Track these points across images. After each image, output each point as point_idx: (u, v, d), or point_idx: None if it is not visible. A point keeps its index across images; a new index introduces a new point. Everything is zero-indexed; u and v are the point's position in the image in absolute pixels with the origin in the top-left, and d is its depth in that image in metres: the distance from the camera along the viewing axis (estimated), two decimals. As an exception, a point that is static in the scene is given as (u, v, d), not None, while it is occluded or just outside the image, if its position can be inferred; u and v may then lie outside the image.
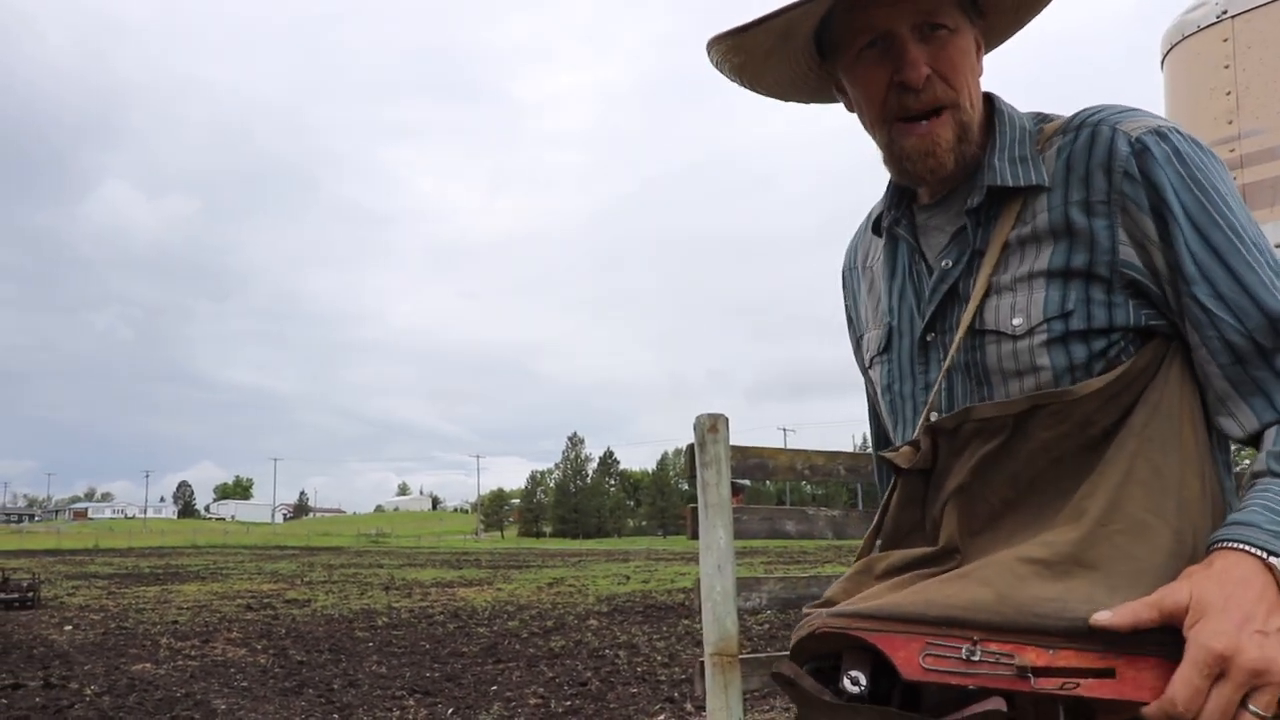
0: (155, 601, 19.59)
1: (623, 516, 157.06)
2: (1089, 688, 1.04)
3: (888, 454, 1.32)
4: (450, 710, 8.28)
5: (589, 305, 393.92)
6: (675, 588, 23.01)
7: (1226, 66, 4.18)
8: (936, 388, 1.35)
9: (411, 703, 8.69)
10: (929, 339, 1.39)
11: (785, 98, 1.52)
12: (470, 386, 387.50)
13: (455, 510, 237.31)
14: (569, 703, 8.52)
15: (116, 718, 8.04)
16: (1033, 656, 1.05)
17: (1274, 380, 1.19)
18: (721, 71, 1.43)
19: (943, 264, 1.38)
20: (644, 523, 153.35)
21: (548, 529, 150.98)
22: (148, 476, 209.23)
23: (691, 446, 5.27)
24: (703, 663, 5.02)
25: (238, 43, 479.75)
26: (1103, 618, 1.06)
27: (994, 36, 1.46)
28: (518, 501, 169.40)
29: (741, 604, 5.15)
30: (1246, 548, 1.07)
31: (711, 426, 5.20)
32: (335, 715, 8.17)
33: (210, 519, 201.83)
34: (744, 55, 1.40)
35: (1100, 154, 1.28)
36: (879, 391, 1.48)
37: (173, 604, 19.09)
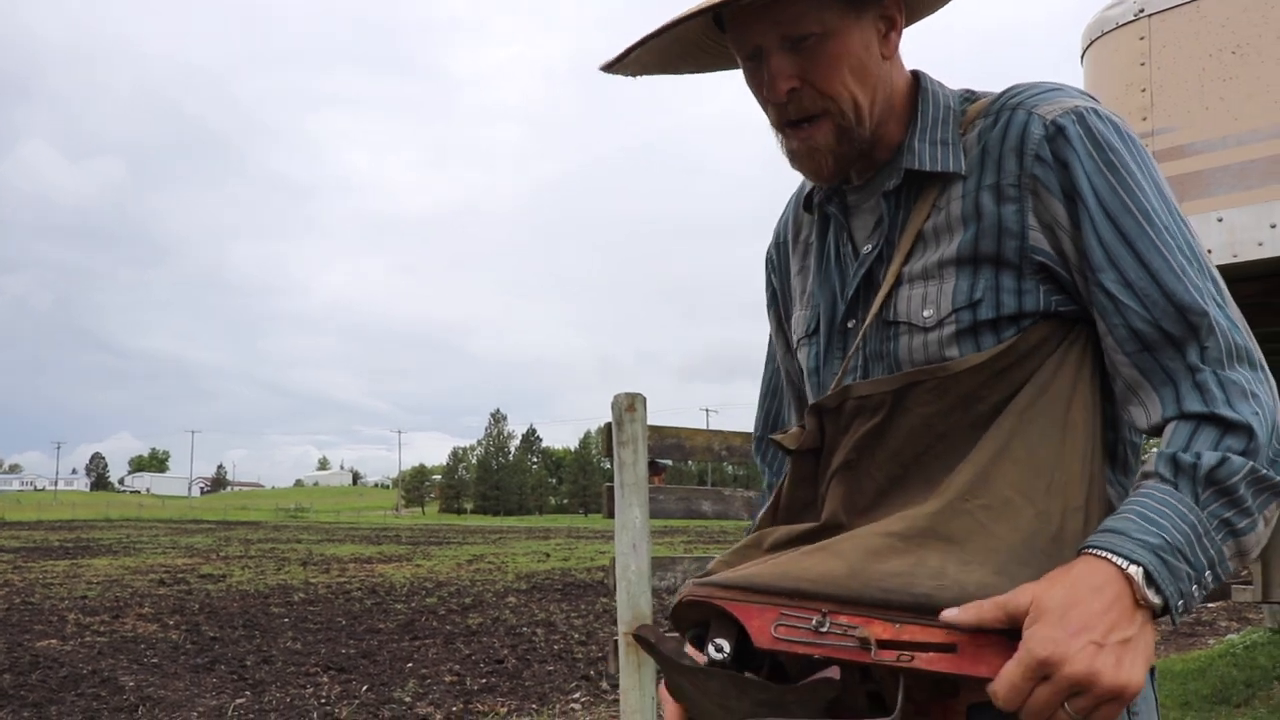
0: (64, 576, 19.15)
1: (544, 494, 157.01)
2: (926, 661, 1.06)
3: (776, 436, 1.33)
4: (365, 688, 8.22)
5: (519, 283, 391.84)
6: (595, 565, 23.08)
7: (1142, 64, 4.26)
8: (854, 376, 1.35)
9: (325, 679, 8.62)
10: (849, 325, 1.39)
11: (682, 72, 1.50)
12: (395, 361, 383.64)
13: (376, 486, 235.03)
14: (484, 680, 8.51)
15: (17, 696, 7.84)
16: (879, 629, 1.08)
17: (1179, 369, 1.16)
18: (614, 74, 1.43)
19: (865, 249, 1.37)
20: (566, 501, 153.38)
21: (469, 506, 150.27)
22: (59, 448, 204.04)
23: (609, 425, 5.28)
24: (617, 641, 5.05)
25: (166, 5, 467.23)
26: (950, 614, 1.06)
27: (921, 8, 1.42)
28: (439, 478, 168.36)
29: (656, 583, 5.18)
30: (1109, 556, 1.06)
31: (629, 406, 5.21)
32: (247, 692, 8.07)
33: (124, 492, 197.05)
34: (638, 66, 1.41)
35: (1014, 137, 1.26)
36: (806, 373, 1.47)
37: (82, 578, 18.67)
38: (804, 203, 1.52)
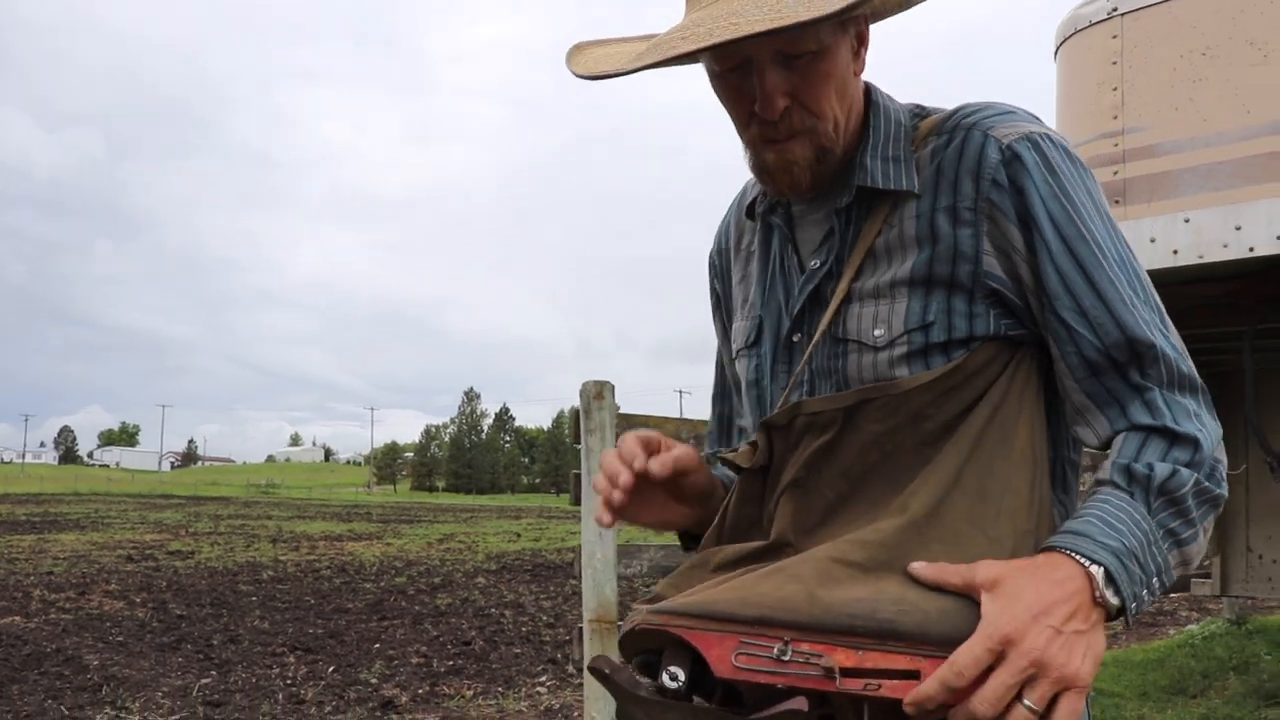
0: (30, 551, 19.00)
1: (517, 473, 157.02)
2: (892, 689, 1.06)
3: (726, 454, 1.32)
4: (331, 668, 8.22)
5: (494, 262, 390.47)
6: (565, 547, 23.11)
7: (1114, 63, 4.28)
8: (800, 391, 1.35)
9: (292, 660, 8.60)
10: (794, 339, 1.38)
11: (641, 70, 1.50)
12: (368, 338, 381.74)
13: (348, 462, 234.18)
14: (451, 662, 8.52)
15: (-20, 672, 7.80)
16: (841, 657, 1.07)
17: (1128, 390, 1.21)
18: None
19: (812, 264, 1.36)
20: (538, 480, 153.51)
21: (441, 484, 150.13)
22: (27, 420, 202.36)
23: (577, 412, 5.28)
24: (581, 628, 5.06)
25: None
26: (919, 566, 1.10)
27: (883, 14, 1.42)
28: (412, 455, 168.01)
29: (623, 570, 5.20)
30: (1072, 553, 1.09)
31: (597, 393, 5.21)
32: (213, 672, 8.05)
33: (94, 466, 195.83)
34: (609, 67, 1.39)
35: (970, 159, 1.26)
36: (745, 384, 1.46)
37: (49, 554, 18.54)
38: (746, 210, 1.51)
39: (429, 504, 70.83)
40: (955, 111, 1.34)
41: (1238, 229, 3.86)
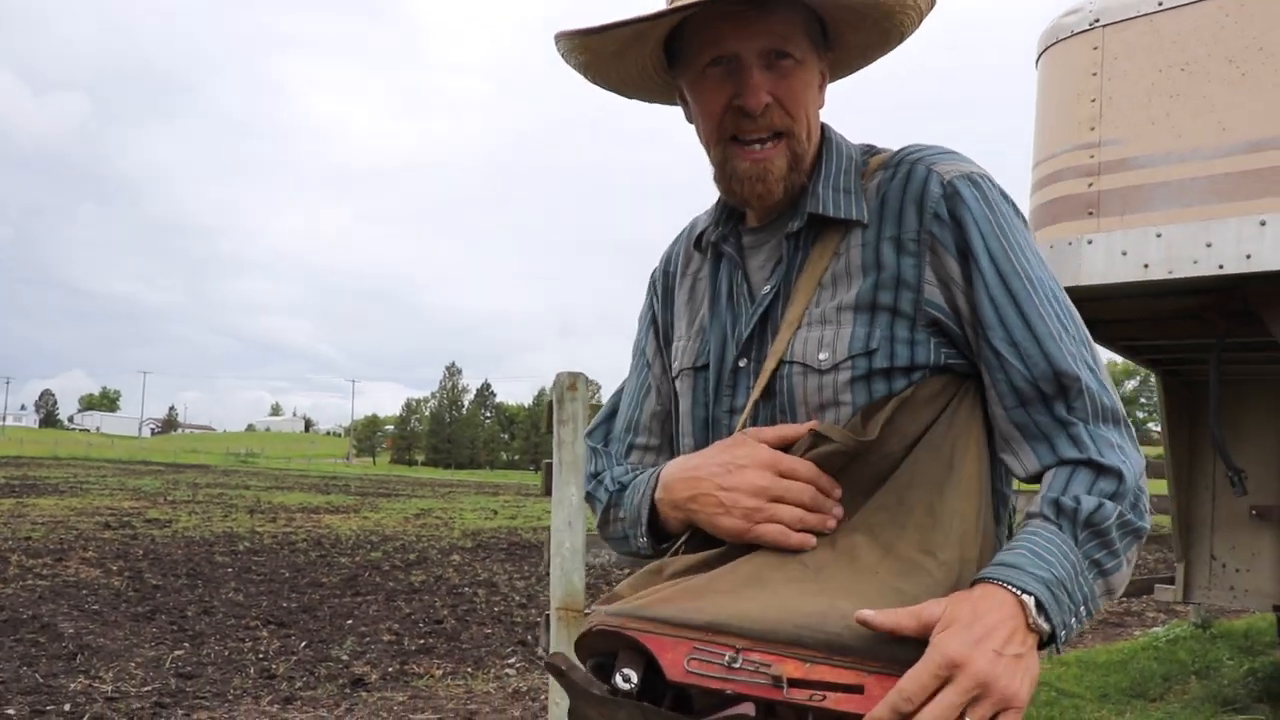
0: (9, 515, 18.95)
1: (496, 449, 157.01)
2: (836, 701, 1.11)
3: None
4: (303, 644, 8.26)
5: (480, 238, 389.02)
6: (541, 526, 23.15)
7: (1094, 74, 4.32)
8: (745, 414, 1.39)
9: (265, 634, 8.64)
10: (741, 364, 1.42)
11: (629, 95, 1.54)
12: (352, 310, 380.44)
13: (328, 434, 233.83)
14: (422, 641, 8.57)
15: (-47, 638, 7.81)
16: (790, 668, 1.12)
17: (1055, 427, 1.27)
18: (567, 63, 1.45)
19: (763, 290, 1.42)
20: (517, 457, 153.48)
21: (420, 458, 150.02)
22: (8, 383, 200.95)
23: (550, 404, 5.32)
24: (549, 616, 5.11)
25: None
26: (868, 614, 1.13)
27: (839, 70, 1.51)
28: (392, 428, 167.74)
29: (591, 559, 5.25)
30: (1006, 585, 1.15)
31: (571, 385, 5.25)
32: (186, 643, 8.08)
33: (74, 430, 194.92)
34: (590, 54, 1.42)
35: (914, 192, 1.33)
36: (686, 406, 1.50)
37: (27, 518, 18.49)
38: (695, 242, 1.56)
39: (408, 477, 70.78)
40: (901, 150, 1.41)
41: (1208, 246, 3.92)
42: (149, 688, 6.60)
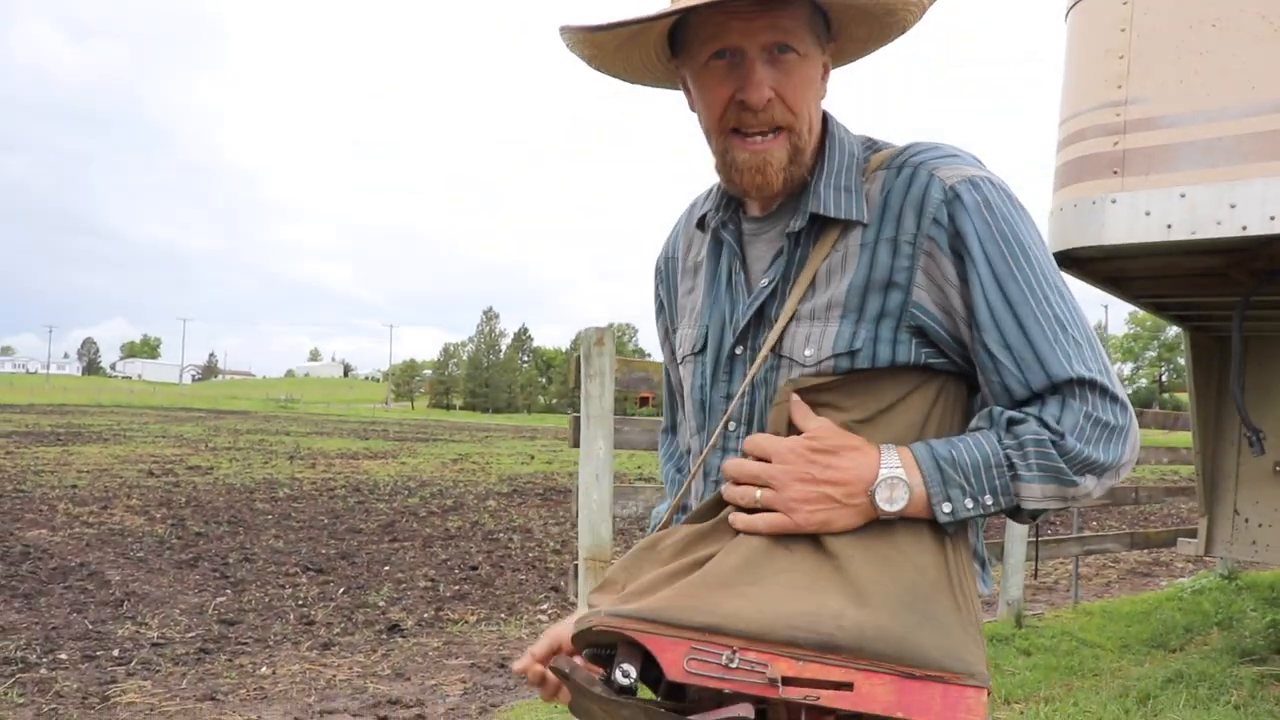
0: (55, 464, 19.37)
1: (534, 393, 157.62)
2: (829, 699, 1.18)
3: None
4: (341, 590, 8.46)
5: (519, 184, 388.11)
6: (578, 470, 23.34)
7: (1123, 30, 4.27)
8: (738, 400, 1.45)
9: (304, 580, 8.86)
10: (737, 352, 1.47)
11: (633, 82, 1.58)
12: (389, 255, 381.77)
13: (367, 379, 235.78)
14: (457, 587, 8.75)
15: (8, 586, 8.07)
16: (784, 667, 1.19)
17: (1040, 407, 1.32)
18: (572, 54, 1.49)
19: (761, 283, 1.46)
20: (554, 401, 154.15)
21: (458, 402, 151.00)
22: (51, 331, 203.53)
23: (578, 358, 5.40)
24: (576, 565, 5.24)
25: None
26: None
27: (839, 60, 1.53)
28: (430, 373, 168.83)
29: (618, 511, 5.36)
30: (882, 450, 1.31)
31: (598, 340, 5.33)
32: (228, 590, 8.30)
33: (116, 378, 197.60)
34: (595, 48, 1.46)
35: (915, 195, 1.36)
36: (688, 389, 1.56)
37: (73, 466, 18.90)
38: (697, 222, 1.60)
39: (445, 422, 71.47)
40: (905, 149, 1.43)
41: (1232, 207, 3.91)
42: (193, 634, 6.82)
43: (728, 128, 1.41)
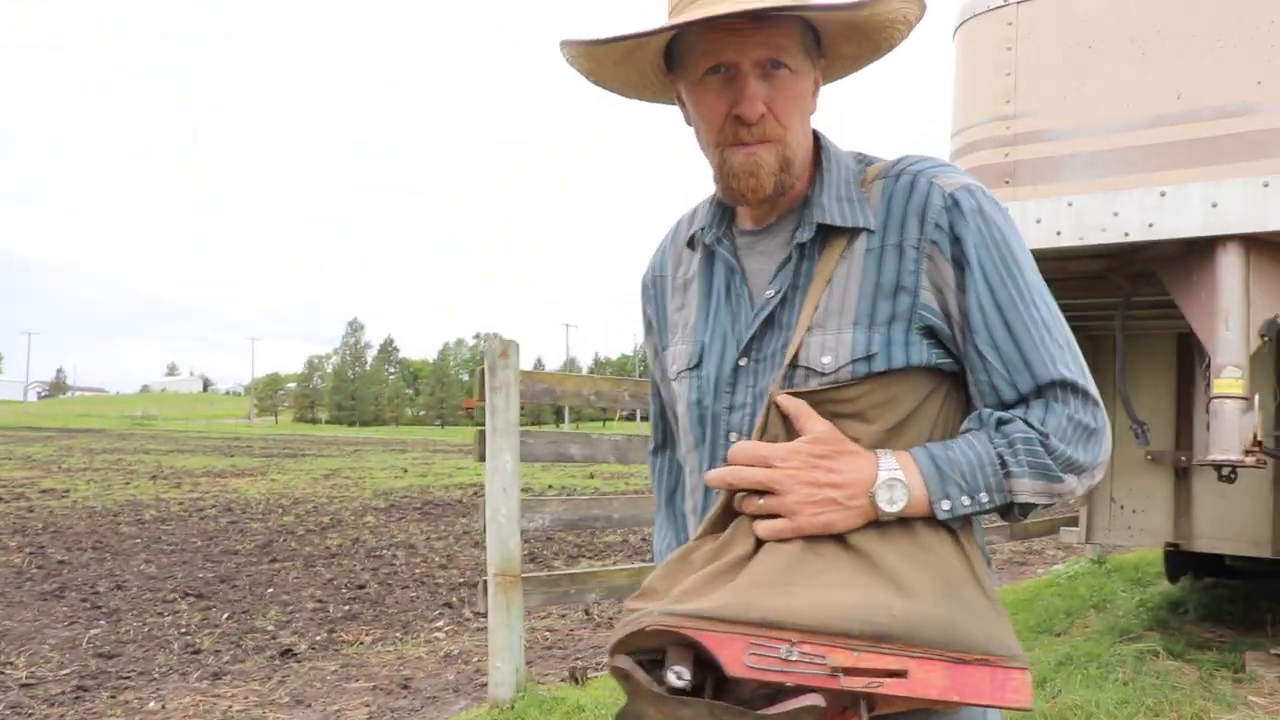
0: (-109, 489, 18.28)
1: (401, 405, 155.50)
2: (889, 687, 1.22)
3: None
4: (225, 615, 8.20)
5: (382, 193, 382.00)
6: (453, 483, 23.13)
7: (1008, 48, 4.47)
8: (742, 411, 1.48)
9: (184, 606, 8.55)
10: (741, 364, 1.49)
11: (630, 96, 1.61)
12: (250, 265, 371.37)
13: (228, 393, 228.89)
14: (347, 607, 8.58)
15: None
16: (841, 657, 1.22)
17: (1025, 409, 1.39)
18: (570, 68, 1.51)
19: (767, 293, 1.49)
20: (422, 412, 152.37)
21: (324, 416, 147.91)
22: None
23: (482, 371, 5.37)
24: (486, 581, 5.20)
25: None
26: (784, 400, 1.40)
27: (830, 75, 1.58)
28: (294, 386, 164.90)
29: (525, 524, 5.34)
30: (879, 454, 1.36)
31: (503, 353, 5.30)
32: (102, 621, 7.96)
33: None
34: (593, 63, 1.49)
35: (917, 202, 1.43)
36: (685, 405, 1.57)
37: (-89, 493, 17.86)
38: (688, 241, 1.64)
39: (312, 436, 69.82)
40: (899, 160, 1.50)
41: (1115, 215, 4.12)
42: (67, 670, 6.51)
43: (726, 142, 1.45)
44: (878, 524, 1.34)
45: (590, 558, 11.62)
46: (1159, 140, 4.07)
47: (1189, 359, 6.24)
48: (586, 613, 8.49)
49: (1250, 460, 3.82)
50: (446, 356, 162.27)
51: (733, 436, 1.48)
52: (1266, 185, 3.81)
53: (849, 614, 1.25)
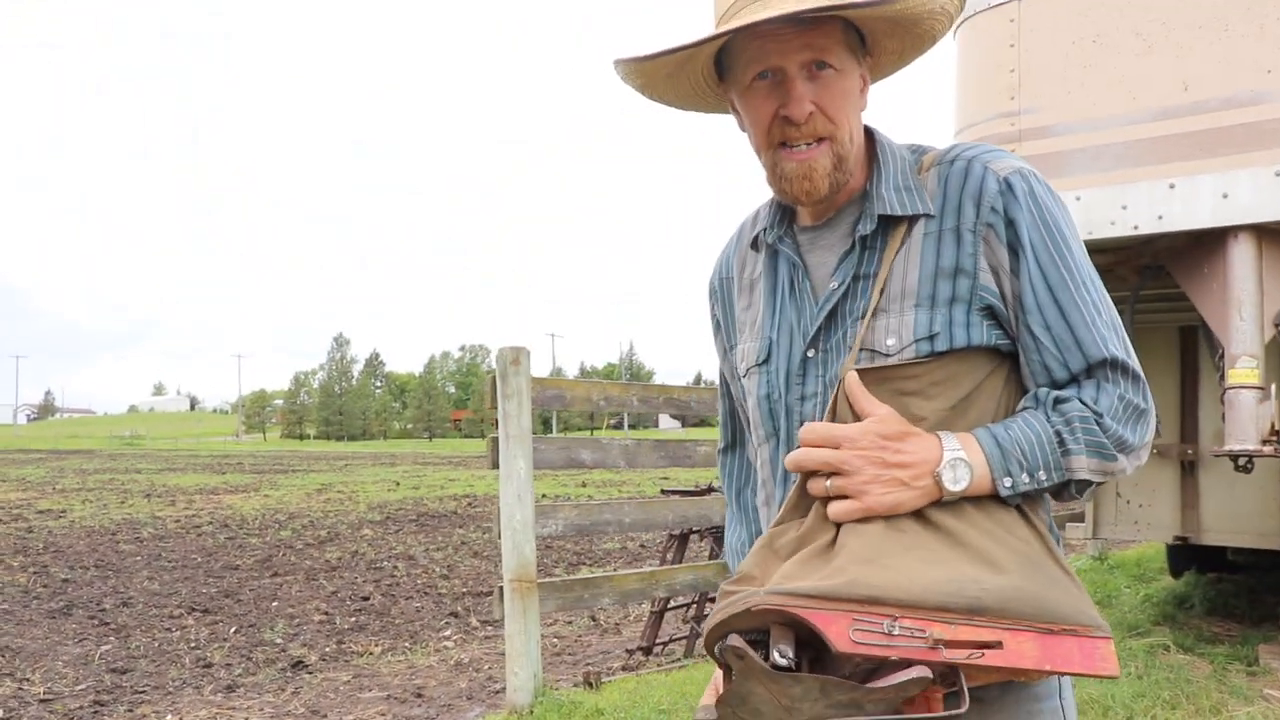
0: (-115, 513, 18.18)
1: (388, 419, 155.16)
2: (989, 658, 1.26)
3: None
4: (233, 629, 8.19)
5: (361, 205, 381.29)
6: (446, 494, 23.12)
7: (1012, 45, 4.51)
8: (815, 399, 1.52)
9: (191, 621, 8.54)
10: (809, 355, 1.53)
11: (687, 109, 1.66)
12: (236, 282, 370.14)
13: (215, 411, 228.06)
14: (354, 619, 8.57)
15: None
16: (940, 630, 1.25)
17: (1078, 389, 1.43)
18: (627, 84, 1.56)
19: (830, 285, 1.52)
20: (410, 425, 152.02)
21: (312, 431, 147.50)
22: None
23: (494, 378, 5.38)
24: (502, 588, 5.20)
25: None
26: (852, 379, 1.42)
27: (878, 73, 1.62)
28: (281, 403, 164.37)
29: (540, 530, 5.35)
30: (942, 436, 1.38)
31: (514, 360, 5.32)
32: (112, 637, 7.94)
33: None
34: (645, 78, 1.54)
35: (972, 187, 1.46)
36: (755, 400, 1.61)
37: (-94, 516, 17.76)
38: (751, 243, 1.68)
39: (301, 452, 69.59)
40: (952, 148, 1.54)
41: (1124, 208, 4.16)
42: (83, 686, 6.50)
43: (775, 142, 1.49)
44: (953, 503, 1.38)
45: (590, 565, 11.63)
46: (1167, 132, 4.11)
47: (1192, 352, 6.30)
48: (593, 619, 8.50)
49: (1268, 450, 3.86)
50: (433, 369, 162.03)
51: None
52: (1278, 174, 3.87)
53: (944, 588, 1.28)
